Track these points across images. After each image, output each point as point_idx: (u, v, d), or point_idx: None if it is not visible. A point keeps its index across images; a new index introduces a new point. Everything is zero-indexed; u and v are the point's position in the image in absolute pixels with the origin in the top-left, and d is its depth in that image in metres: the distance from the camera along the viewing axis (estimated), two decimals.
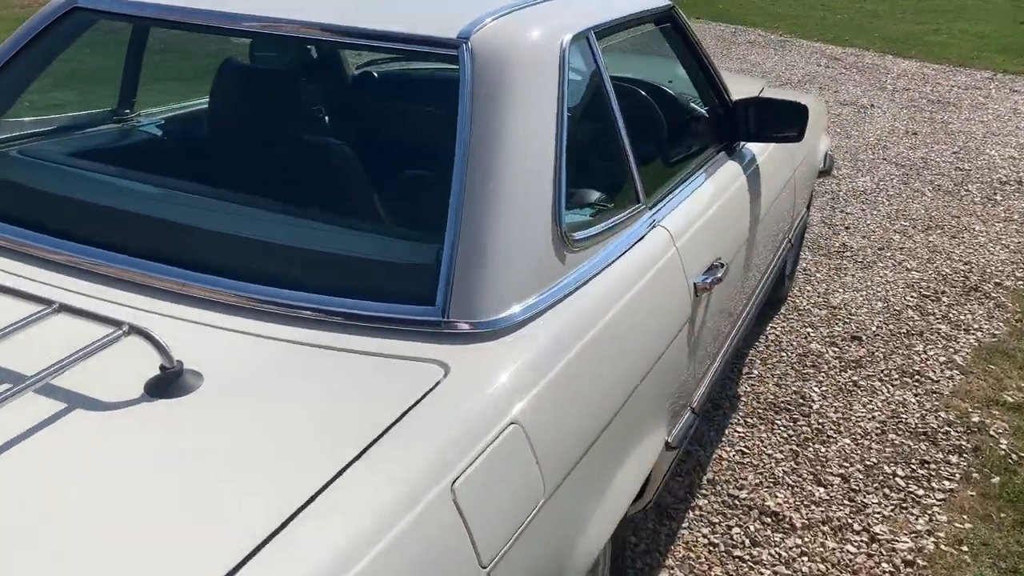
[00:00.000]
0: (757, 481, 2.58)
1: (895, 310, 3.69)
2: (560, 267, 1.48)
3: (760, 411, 2.93)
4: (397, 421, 1.11)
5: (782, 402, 2.98)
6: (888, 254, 4.28)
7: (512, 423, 1.19)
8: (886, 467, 2.67)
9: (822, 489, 2.56)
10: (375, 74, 2.41)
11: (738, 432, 2.81)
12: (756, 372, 3.17)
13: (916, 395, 3.06)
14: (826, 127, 3.75)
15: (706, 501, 2.49)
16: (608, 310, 1.52)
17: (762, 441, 2.77)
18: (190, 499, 0.97)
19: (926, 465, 2.69)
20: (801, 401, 2.99)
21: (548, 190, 1.48)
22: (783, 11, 12.43)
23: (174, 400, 1.13)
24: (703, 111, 2.42)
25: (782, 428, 2.84)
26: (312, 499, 0.98)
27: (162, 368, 1.14)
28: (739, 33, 10.71)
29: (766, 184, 2.51)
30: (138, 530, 0.93)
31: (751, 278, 2.43)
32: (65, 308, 1.17)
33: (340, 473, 1.02)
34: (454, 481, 1.07)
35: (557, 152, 1.51)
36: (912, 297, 3.82)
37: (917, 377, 3.17)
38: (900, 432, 2.85)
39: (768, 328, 3.49)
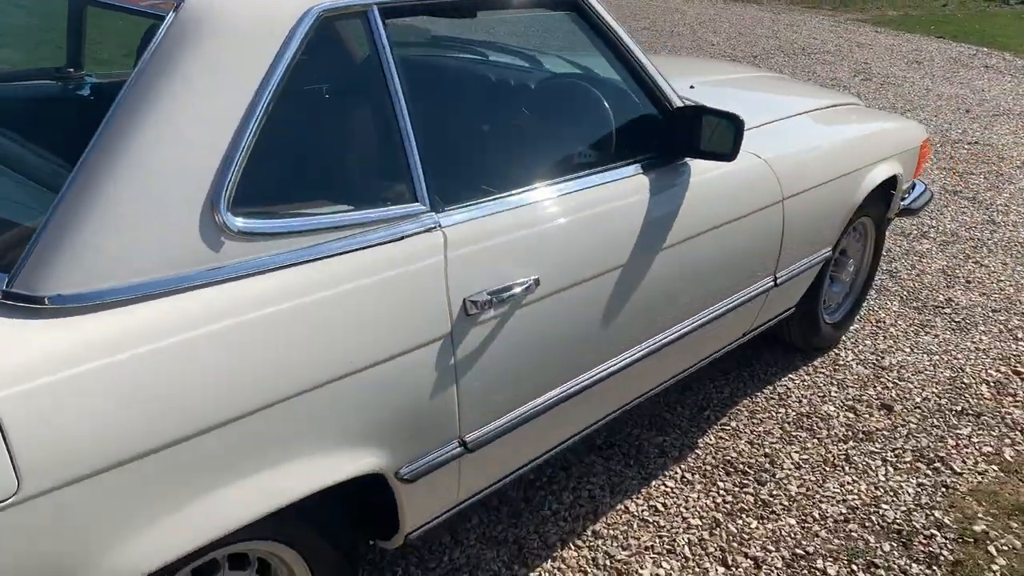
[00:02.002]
0: (649, 544, 2.25)
1: (963, 384, 3.07)
2: (206, 254, 1.35)
3: (708, 468, 2.55)
4: None
5: (742, 463, 2.58)
6: (1002, 318, 3.58)
7: None
8: (819, 561, 2.22)
9: (722, 569, 2.18)
10: None
11: (666, 486, 2.47)
12: (735, 424, 2.77)
13: (919, 485, 2.52)
14: (915, 158, 3.18)
15: (574, 554, 2.20)
16: (265, 306, 1.37)
17: (687, 501, 2.41)
18: None
19: (873, 569, 2.20)
20: (767, 466, 2.57)
21: (208, 171, 1.35)
22: None
23: None
24: (611, 115, 2.12)
25: (721, 492, 2.45)
26: None
27: None
28: (979, 56, 9.52)
29: (698, 207, 2.16)
30: None
31: (654, 315, 2.10)
32: None
33: None
34: None
35: (240, 131, 1.38)
36: (998, 371, 3.16)
37: (935, 465, 2.62)
38: (868, 525, 2.36)
39: (783, 379, 3.04)
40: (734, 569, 2.18)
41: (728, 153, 2.06)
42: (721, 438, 2.70)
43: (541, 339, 1.80)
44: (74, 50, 2.40)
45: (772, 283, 2.55)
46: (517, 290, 1.70)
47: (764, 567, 2.19)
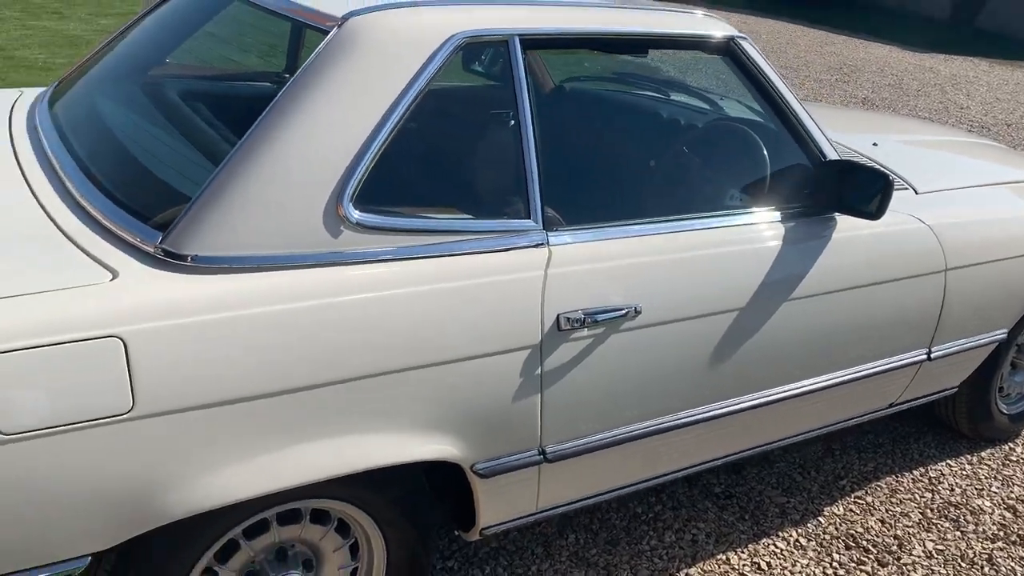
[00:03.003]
0: None
1: None
2: (326, 239, 1.53)
3: (827, 538, 2.44)
4: (17, 296, 1.32)
5: (867, 540, 2.44)
6: None
7: (111, 336, 1.32)
8: None
9: None
10: None
11: (776, 547, 2.39)
12: (870, 500, 2.62)
13: None
14: None
15: None
16: (371, 291, 1.53)
17: (794, 566, 2.32)
18: None
19: None
20: (893, 548, 2.42)
21: (339, 166, 1.54)
22: None
23: None
24: (756, 161, 2.12)
25: (835, 564, 2.34)
26: None
27: None
28: None
29: (839, 264, 2.10)
30: None
31: (769, 366, 2.06)
32: None
33: None
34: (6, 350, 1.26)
35: (373, 136, 1.56)
36: None
37: None
38: None
39: (938, 464, 2.83)
40: None
41: (873, 212, 2.01)
42: (851, 511, 2.57)
43: (636, 368, 1.84)
44: (292, 59, 2.74)
45: (925, 356, 2.40)
46: (615, 314, 1.76)
47: None
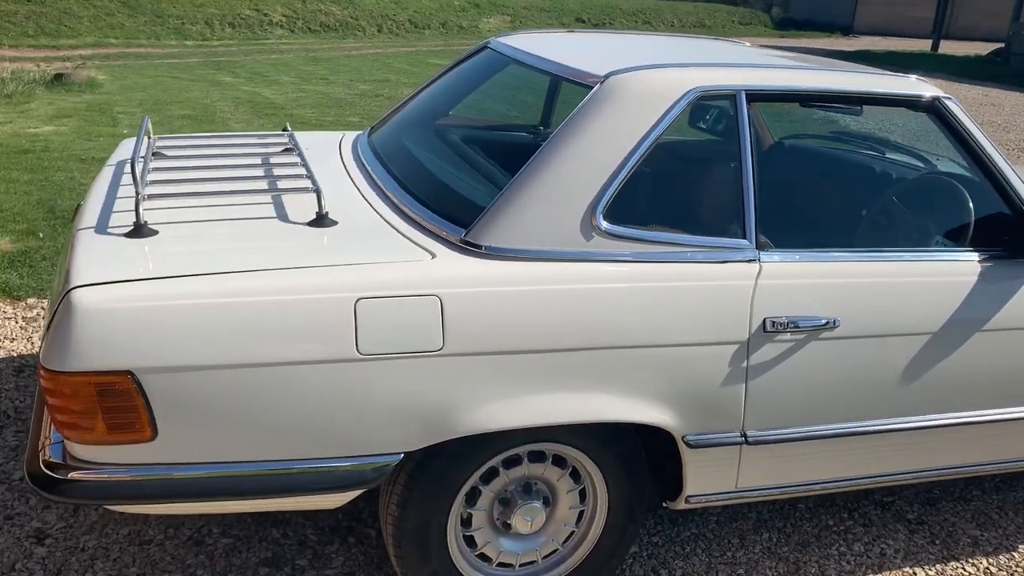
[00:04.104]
0: None
1: None
2: (581, 241, 1.99)
3: (1021, 572, 2.54)
4: (375, 263, 1.88)
5: None
6: None
7: (432, 295, 1.84)
8: None
9: None
10: None
11: (964, 571, 2.53)
12: None
13: None
14: None
15: None
16: (611, 283, 1.96)
17: None
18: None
19: None
20: None
21: (594, 187, 2.00)
22: None
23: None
24: (959, 207, 2.36)
25: None
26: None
27: (317, 214, 2.11)
28: None
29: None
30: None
31: (958, 389, 2.26)
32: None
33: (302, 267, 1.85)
34: (361, 298, 1.80)
35: (621, 166, 2.00)
36: None
37: None
38: None
39: None
40: None
41: None
42: None
43: (831, 373, 2.14)
44: (547, 114, 3.29)
45: None
46: (816, 324, 2.08)
47: None
